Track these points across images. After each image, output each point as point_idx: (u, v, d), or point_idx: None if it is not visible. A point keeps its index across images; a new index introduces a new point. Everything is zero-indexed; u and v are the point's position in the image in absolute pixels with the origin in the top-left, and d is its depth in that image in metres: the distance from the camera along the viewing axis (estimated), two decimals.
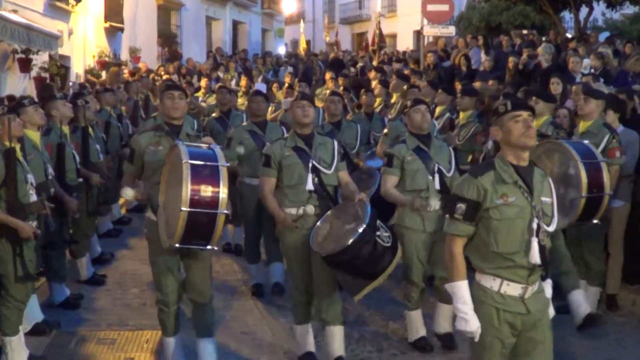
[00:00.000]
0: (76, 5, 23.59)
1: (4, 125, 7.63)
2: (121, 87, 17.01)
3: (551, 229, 5.55)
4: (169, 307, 7.70)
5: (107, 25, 26.43)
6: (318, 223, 7.90)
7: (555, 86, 12.22)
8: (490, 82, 14.79)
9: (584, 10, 26.67)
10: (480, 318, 5.41)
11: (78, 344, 8.74)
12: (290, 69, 29.12)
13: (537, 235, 5.39)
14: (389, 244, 7.59)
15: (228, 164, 7.02)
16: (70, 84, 20.44)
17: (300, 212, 8.00)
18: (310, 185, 7.97)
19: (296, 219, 7.96)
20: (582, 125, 9.23)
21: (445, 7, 23.30)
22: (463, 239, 5.53)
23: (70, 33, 23.35)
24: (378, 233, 7.52)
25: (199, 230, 6.82)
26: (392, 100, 14.71)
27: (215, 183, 6.79)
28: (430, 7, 23.11)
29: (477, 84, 15.48)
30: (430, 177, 8.43)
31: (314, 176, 7.99)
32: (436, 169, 8.46)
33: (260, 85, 20.35)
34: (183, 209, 6.62)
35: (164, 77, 23.71)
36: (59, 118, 10.16)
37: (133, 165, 7.73)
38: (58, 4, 22.37)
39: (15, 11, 17.71)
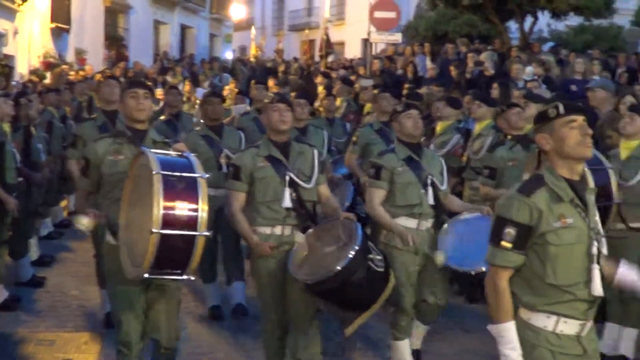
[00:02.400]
0: (22, 4, 23.42)
1: None
2: (66, 88, 16.87)
3: (605, 251, 4.77)
4: (131, 349, 6.46)
5: (53, 25, 26.24)
6: (295, 246, 7.04)
7: (495, 91, 12.42)
8: (435, 87, 14.92)
9: (529, 20, 26.98)
10: None
11: (16, 346, 8.63)
12: (227, 76, 28.92)
13: (598, 262, 4.63)
14: (382, 269, 6.80)
15: (207, 176, 5.86)
16: (14, 83, 20.24)
17: (275, 231, 7.06)
18: (287, 202, 7.03)
19: (276, 246, 6.98)
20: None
21: (392, 15, 23.45)
22: (510, 271, 4.67)
23: (15, 32, 23.18)
24: (370, 256, 6.71)
25: (174, 257, 5.67)
26: (337, 104, 14.72)
27: (193, 198, 5.64)
28: (378, 14, 23.25)
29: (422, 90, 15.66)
30: (423, 191, 7.64)
31: (292, 191, 7.06)
32: (429, 181, 7.67)
33: (202, 91, 19.90)
34: (154, 230, 5.44)
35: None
36: (0, 116, 10.06)
37: (88, 178, 6.58)
38: (4, 2, 22.29)
39: None
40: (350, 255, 6.50)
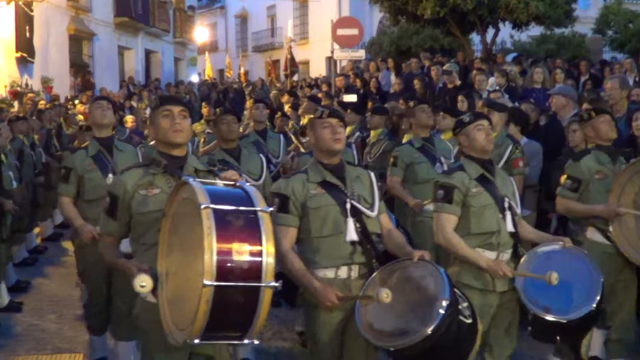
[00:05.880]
0: None
1: None
2: (34, 115, 16.95)
3: None
4: None
5: (18, 54, 26.23)
6: (361, 294, 5.71)
7: (461, 103, 12.59)
8: (401, 101, 15.10)
9: (491, 32, 27.28)
10: None
11: None
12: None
13: None
14: (471, 319, 5.63)
15: (271, 209, 4.60)
16: None
17: (340, 274, 5.80)
18: (353, 235, 5.77)
19: (344, 297, 5.65)
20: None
21: (354, 32, 23.60)
22: None
23: None
24: (460, 307, 5.54)
25: (232, 316, 4.41)
26: (303, 122, 14.81)
27: (255, 239, 4.39)
28: (340, 32, 23.40)
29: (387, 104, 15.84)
30: (500, 216, 6.38)
31: (355, 221, 5.83)
32: (506, 204, 6.43)
33: None
34: (206, 283, 4.19)
35: (78, 106, 23.56)
36: None
37: (116, 220, 5.39)
38: None
39: None
40: (441, 313, 5.29)
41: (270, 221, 4.50)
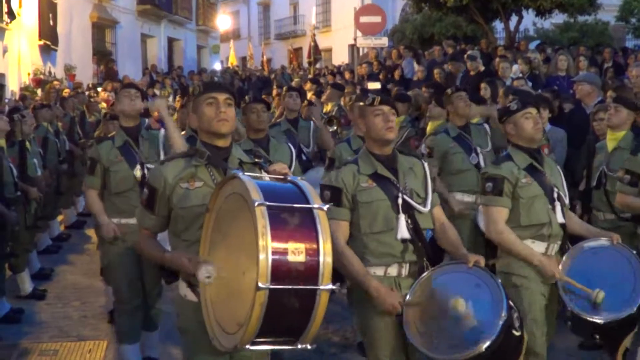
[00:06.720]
0: (10, 22, 23.51)
1: None
2: (57, 103, 16.98)
3: None
4: None
5: (41, 42, 26.31)
6: (408, 296, 5.49)
7: (484, 91, 12.52)
8: (423, 88, 15.02)
9: (514, 20, 27.14)
10: None
11: (20, 357, 8.70)
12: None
13: None
14: (520, 331, 5.43)
15: (327, 207, 4.24)
16: (6, 100, 20.34)
17: (390, 272, 5.57)
18: (404, 232, 5.53)
19: (407, 304, 5.43)
20: None
21: (377, 19, 23.52)
22: None
23: (5, 50, 23.25)
24: (512, 319, 5.35)
25: (286, 320, 4.10)
26: (326, 110, 14.79)
27: (311, 238, 4.08)
28: (363, 19, 23.33)
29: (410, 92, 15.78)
30: (550, 207, 6.20)
31: (407, 217, 5.58)
32: (556, 195, 6.23)
33: None
34: (261, 285, 3.89)
35: (100, 94, 23.61)
36: None
37: (154, 214, 5.00)
38: None
39: None
40: (499, 328, 5.15)
41: (327, 219, 4.18)
